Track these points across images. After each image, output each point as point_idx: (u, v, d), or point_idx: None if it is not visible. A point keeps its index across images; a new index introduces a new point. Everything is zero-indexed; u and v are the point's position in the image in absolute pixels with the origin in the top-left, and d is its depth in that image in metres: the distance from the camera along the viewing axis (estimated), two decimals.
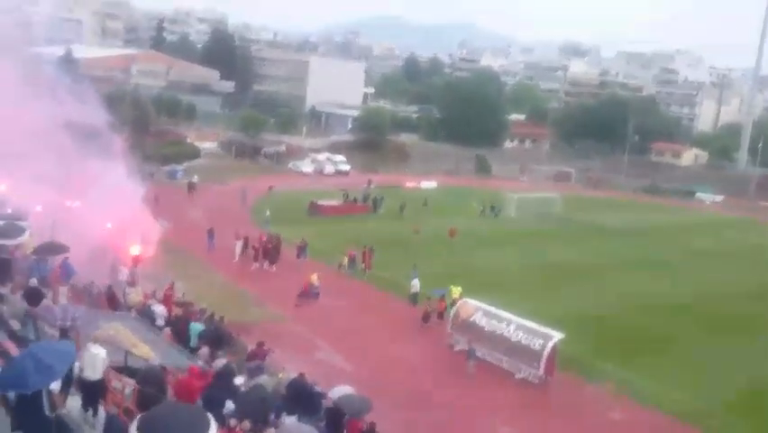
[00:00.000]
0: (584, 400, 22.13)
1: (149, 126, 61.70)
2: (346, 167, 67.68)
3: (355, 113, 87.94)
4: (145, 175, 37.35)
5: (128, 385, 11.24)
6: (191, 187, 49.65)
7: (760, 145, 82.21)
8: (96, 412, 9.99)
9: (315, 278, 29.41)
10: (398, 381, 21.67)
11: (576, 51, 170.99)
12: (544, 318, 25.06)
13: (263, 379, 14.58)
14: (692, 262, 42.46)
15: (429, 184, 63.55)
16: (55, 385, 8.56)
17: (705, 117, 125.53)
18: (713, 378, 24.57)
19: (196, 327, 18.80)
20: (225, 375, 13.24)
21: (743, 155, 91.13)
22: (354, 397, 14.51)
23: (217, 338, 18.26)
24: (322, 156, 68.98)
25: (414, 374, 22.62)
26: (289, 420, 12.69)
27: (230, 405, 12.02)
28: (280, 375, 15.61)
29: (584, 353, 25.15)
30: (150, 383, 10.91)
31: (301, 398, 13.91)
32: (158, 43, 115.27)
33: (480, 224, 48.48)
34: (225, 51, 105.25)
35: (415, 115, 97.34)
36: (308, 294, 28.86)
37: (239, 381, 13.78)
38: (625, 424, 20.96)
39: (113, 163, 24.13)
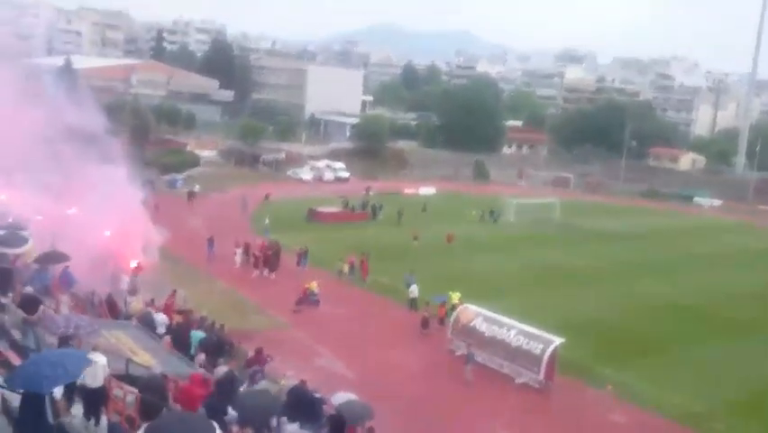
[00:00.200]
0: (585, 403, 22.15)
1: (149, 135, 61.94)
2: (345, 174, 67.85)
3: (354, 120, 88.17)
4: (145, 184, 37.48)
5: (129, 393, 11.27)
6: (191, 195, 49.80)
7: (757, 149, 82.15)
8: (98, 420, 10.00)
9: (314, 285, 29.47)
10: (399, 387, 21.68)
11: (572, 58, 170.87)
12: (544, 323, 25.10)
13: (263, 385, 14.60)
14: (691, 266, 42.51)
15: (428, 190, 63.57)
16: (58, 392, 8.60)
17: (702, 122, 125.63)
18: (713, 381, 24.57)
19: (197, 334, 18.86)
20: (227, 383, 13.27)
21: (740, 159, 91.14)
22: (356, 403, 14.51)
23: (218, 346, 18.34)
24: (321, 163, 69.16)
25: (414, 380, 22.64)
26: (291, 428, 12.70)
27: (232, 412, 12.05)
28: (282, 382, 15.62)
29: (584, 357, 25.19)
30: (152, 391, 10.96)
31: (302, 405, 13.89)
32: (158, 53, 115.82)
33: (480, 229, 48.60)
34: (224, 61, 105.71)
35: (413, 122, 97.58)
36: (306, 300, 28.93)
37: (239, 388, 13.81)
38: (625, 428, 20.98)
39: (113, 172, 24.26)
